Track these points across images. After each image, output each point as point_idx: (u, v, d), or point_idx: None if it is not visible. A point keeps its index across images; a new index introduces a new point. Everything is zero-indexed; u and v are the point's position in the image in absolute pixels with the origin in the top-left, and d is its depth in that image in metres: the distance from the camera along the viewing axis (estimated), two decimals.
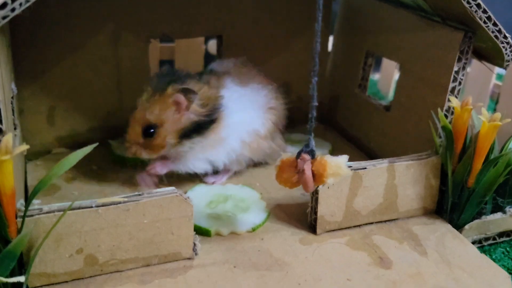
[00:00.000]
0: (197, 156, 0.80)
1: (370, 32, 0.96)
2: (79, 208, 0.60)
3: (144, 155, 0.78)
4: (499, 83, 1.12)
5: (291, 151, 0.93)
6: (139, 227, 0.63)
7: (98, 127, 0.94)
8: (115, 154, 0.90)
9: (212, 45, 1.26)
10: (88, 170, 0.86)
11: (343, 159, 0.63)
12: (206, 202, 0.77)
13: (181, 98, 0.76)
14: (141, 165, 0.88)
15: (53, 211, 0.59)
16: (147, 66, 0.94)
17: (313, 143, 0.63)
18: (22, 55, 0.84)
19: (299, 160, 0.63)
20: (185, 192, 0.79)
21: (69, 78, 0.89)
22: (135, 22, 0.90)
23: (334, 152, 0.97)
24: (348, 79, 1.03)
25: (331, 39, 1.10)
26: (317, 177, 0.62)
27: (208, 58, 1.24)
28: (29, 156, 0.89)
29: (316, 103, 0.62)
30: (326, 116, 1.09)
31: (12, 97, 0.75)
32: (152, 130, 0.77)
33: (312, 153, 0.63)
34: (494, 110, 1.10)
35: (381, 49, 0.94)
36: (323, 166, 0.62)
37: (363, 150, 0.98)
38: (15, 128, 0.75)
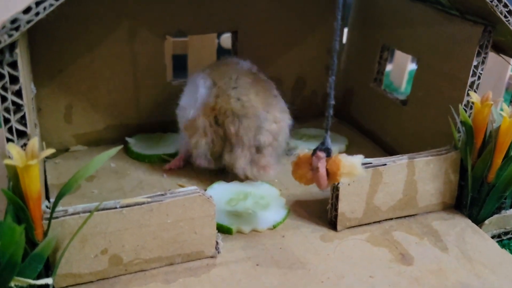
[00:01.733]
0: None
1: (385, 25, 0.95)
2: (103, 209, 0.60)
3: None
4: None
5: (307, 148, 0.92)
6: (163, 227, 0.63)
7: (115, 125, 0.94)
8: (132, 151, 0.90)
9: (225, 40, 1.26)
10: (107, 168, 0.86)
11: (358, 159, 0.63)
12: (226, 199, 0.77)
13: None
14: (157, 162, 0.89)
15: (78, 213, 0.59)
16: (162, 63, 0.94)
17: (329, 141, 0.63)
18: (40, 55, 0.84)
19: (313, 157, 0.63)
20: (205, 190, 0.80)
21: (86, 76, 0.89)
22: (151, 19, 0.90)
23: (350, 146, 0.97)
24: (363, 73, 1.02)
25: (345, 31, 1.09)
26: (331, 176, 0.62)
27: (221, 52, 1.23)
28: (48, 155, 0.89)
29: (333, 102, 0.62)
30: (340, 110, 1.08)
31: (32, 98, 0.75)
32: None
33: (327, 151, 0.63)
34: (510, 102, 1.09)
35: (397, 42, 0.93)
36: (337, 165, 0.62)
37: (379, 144, 0.98)
38: (35, 127, 0.75)
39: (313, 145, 0.93)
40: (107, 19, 0.87)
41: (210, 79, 0.80)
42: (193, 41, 1.21)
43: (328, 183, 0.63)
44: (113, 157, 0.87)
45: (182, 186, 0.82)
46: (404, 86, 1.37)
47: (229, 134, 0.78)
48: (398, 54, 1.35)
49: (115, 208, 0.61)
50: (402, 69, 1.36)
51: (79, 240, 0.60)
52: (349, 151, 0.95)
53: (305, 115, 1.07)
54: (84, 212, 0.59)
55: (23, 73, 0.57)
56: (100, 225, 0.60)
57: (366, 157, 0.66)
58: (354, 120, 1.06)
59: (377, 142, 0.99)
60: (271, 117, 0.79)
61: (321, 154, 0.62)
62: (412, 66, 1.40)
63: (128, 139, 0.92)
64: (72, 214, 0.59)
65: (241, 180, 0.81)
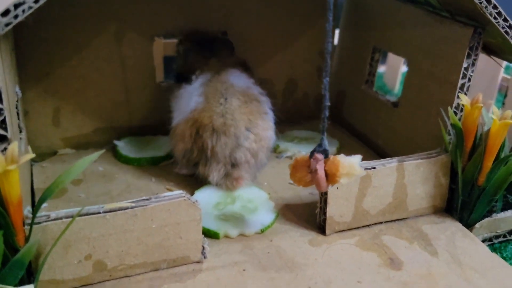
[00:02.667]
0: None
1: (376, 27, 0.95)
2: (86, 214, 0.59)
3: None
4: (508, 76, 1.10)
5: (299, 150, 0.92)
6: (147, 232, 0.62)
7: (104, 127, 0.93)
8: (121, 154, 0.89)
9: None
10: (95, 171, 0.85)
11: (356, 159, 0.62)
12: (214, 203, 0.76)
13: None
14: (146, 165, 0.88)
15: (61, 218, 0.58)
16: (151, 65, 0.93)
17: (326, 142, 0.63)
18: (26, 57, 0.83)
19: (312, 159, 0.62)
20: (193, 193, 0.79)
21: (73, 78, 0.88)
22: (139, 21, 0.89)
23: (342, 149, 0.96)
24: (354, 74, 1.02)
25: (336, 33, 1.09)
26: (330, 177, 0.62)
27: None
28: (35, 158, 0.88)
29: (328, 103, 0.62)
30: (332, 112, 1.05)
31: (17, 100, 0.74)
32: None
33: (325, 153, 0.62)
34: (503, 104, 1.09)
35: (388, 44, 0.92)
36: (336, 166, 0.61)
37: (371, 147, 0.98)
38: (20, 131, 0.75)
39: (304, 147, 0.93)
40: (94, 21, 0.86)
41: (204, 96, 0.80)
42: None
43: (327, 184, 0.62)
44: (101, 160, 0.88)
45: (170, 190, 0.81)
46: (397, 88, 1.36)
47: (206, 148, 0.78)
48: (391, 55, 1.35)
49: (99, 213, 0.60)
50: (395, 71, 1.35)
51: (62, 245, 0.59)
52: (341, 153, 0.94)
53: (296, 117, 1.06)
54: (66, 217, 0.59)
55: (4, 76, 0.56)
56: (84, 230, 0.59)
57: None
58: (345, 122, 1.05)
59: (369, 144, 0.98)
60: (253, 136, 0.79)
61: (319, 156, 0.62)
62: (405, 68, 1.39)
63: (116, 142, 0.92)
64: (55, 219, 0.58)
65: None
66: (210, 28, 0.95)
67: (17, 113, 0.75)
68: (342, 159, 0.62)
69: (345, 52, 1.04)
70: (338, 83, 1.06)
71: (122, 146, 0.91)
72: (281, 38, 1.01)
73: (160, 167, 0.88)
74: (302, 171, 0.63)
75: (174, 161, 0.87)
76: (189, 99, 0.81)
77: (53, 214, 0.59)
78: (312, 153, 0.62)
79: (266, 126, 0.82)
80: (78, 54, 0.87)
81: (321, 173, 0.61)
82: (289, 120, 1.05)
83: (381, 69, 1.43)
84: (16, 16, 0.50)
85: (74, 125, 0.91)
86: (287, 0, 0.98)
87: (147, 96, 0.94)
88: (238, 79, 0.84)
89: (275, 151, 0.93)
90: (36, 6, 0.51)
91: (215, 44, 0.89)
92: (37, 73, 0.85)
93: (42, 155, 0.89)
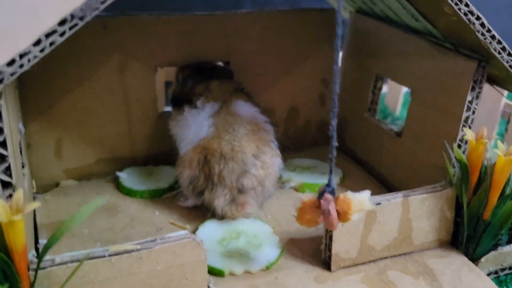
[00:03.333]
0: None
1: (379, 56, 0.95)
2: (92, 258, 0.59)
3: None
4: (510, 102, 1.10)
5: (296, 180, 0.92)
6: (153, 274, 0.62)
7: (106, 158, 0.93)
8: (123, 186, 0.88)
9: None
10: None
11: (365, 194, 0.63)
12: (218, 239, 0.76)
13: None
14: (149, 197, 0.87)
15: (66, 263, 0.58)
16: (154, 95, 0.93)
17: (334, 182, 0.63)
18: (29, 91, 0.83)
19: (322, 201, 0.62)
20: (197, 228, 0.78)
21: (76, 110, 0.88)
22: (142, 52, 0.89)
23: (345, 178, 0.96)
24: (357, 102, 1.01)
25: (339, 60, 1.09)
26: (342, 215, 0.62)
27: None
28: (37, 190, 0.88)
29: (336, 144, 0.62)
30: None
31: (20, 138, 0.74)
32: None
33: (333, 192, 0.62)
34: (506, 130, 1.09)
35: (391, 73, 0.92)
36: (348, 204, 0.62)
37: (374, 176, 0.97)
38: (23, 167, 0.74)
39: (307, 176, 0.93)
40: (97, 53, 0.86)
41: (214, 127, 0.81)
42: None
43: (339, 222, 0.62)
44: (104, 192, 0.88)
45: (174, 224, 0.81)
46: (399, 110, 1.36)
47: (212, 173, 0.78)
48: None
49: (104, 256, 0.59)
50: (396, 92, 1.35)
51: None
52: (344, 183, 0.95)
53: (298, 145, 1.06)
54: (72, 261, 0.58)
55: (8, 121, 0.56)
56: (89, 275, 0.59)
57: (361, 190, 0.65)
58: (348, 149, 1.05)
59: (372, 173, 0.98)
60: (260, 163, 0.79)
61: (329, 197, 0.62)
62: (406, 89, 1.39)
63: (119, 173, 0.91)
64: (60, 264, 0.58)
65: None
66: (212, 58, 0.95)
67: (20, 149, 0.75)
68: (353, 196, 0.62)
69: (348, 79, 1.04)
70: (340, 111, 1.04)
71: (125, 177, 0.91)
72: (283, 67, 1.01)
73: (163, 199, 0.88)
74: (311, 213, 0.63)
75: (177, 194, 0.86)
76: (199, 129, 0.83)
77: (57, 259, 0.58)
78: (321, 194, 0.62)
79: (273, 154, 0.83)
80: (81, 86, 0.87)
81: (334, 213, 0.61)
82: (291, 147, 1.05)
83: (383, 89, 1.43)
84: (21, 66, 0.50)
85: (76, 156, 0.91)
86: (289, 28, 0.98)
87: (149, 127, 0.94)
88: (244, 109, 0.85)
89: (278, 181, 0.93)
90: (41, 55, 0.51)
91: (214, 70, 0.90)
92: (40, 105, 0.85)
93: (45, 187, 0.89)
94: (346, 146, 1.05)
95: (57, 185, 0.90)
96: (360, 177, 0.97)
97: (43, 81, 0.84)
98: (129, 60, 0.89)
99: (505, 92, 1.04)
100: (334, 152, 0.62)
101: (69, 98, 0.87)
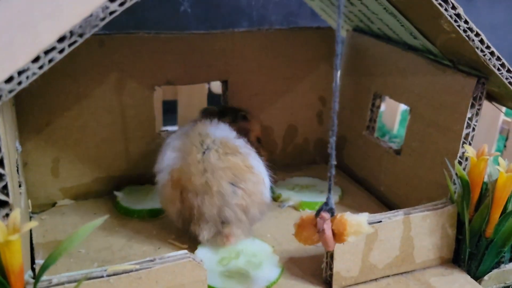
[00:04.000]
0: None
1: (377, 74, 0.95)
2: (89, 278, 0.58)
3: None
4: (508, 119, 1.10)
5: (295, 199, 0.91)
6: None
7: (103, 177, 0.92)
8: (121, 206, 0.87)
9: (215, 85, 1.25)
10: None
11: (363, 217, 0.61)
12: (218, 258, 0.75)
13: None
14: (146, 217, 0.86)
15: (63, 283, 0.56)
16: (152, 114, 0.92)
17: (332, 201, 0.62)
18: (26, 109, 0.82)
19: (318, 219, 0.61)
20: (196, 248, 0.77)
21: (73, 129, 0.87)
22: (139, 70, 0.89)
23: (344, 196, 0.95)
24: (355, 120, 1.01)
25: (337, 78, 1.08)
26: (338, 236, 0.61)
27: (212, 97, 1.23)
28: (34, 209, 0.87)
29: (335, 162, 0.61)
30: None
31: (17, 156, 0.73)
32: None
33: (331, 211, 0.61)
34: (505, 147, 1.08)
35: (390, 91, 0.92)
36: (344, 225, 0.60)
37: (373, 194, 0.97)
38: (20, 186, 0.73)
39: (306, 195, 0.92)
40: (94, 71, 0.86)
41: (179, 151, 0.77)
42: (183, 87, 1.21)
43: (334, 243, 0.61)
44: (101, 212, 0.87)
45: (173, 244, 0.79)
46: (396, 128, 1.36)
47: (192, 208, 0.74)
48: None
49: (102, 277, 0.58)
50: (394, 110, 1.35)
51: None
52: (343, 201, 0.94)
53: (297, 163, 1.06)
54: (69, 282, 0.57)
55: (5, 139, 0.55)
56: None
57: (360, 208, 0.64)
58: (347, 168, 1.04)
59: (371, 191, 0.97)
60: (240, 192, 0.75)
61: (326, 215, 0.61)
62: (404, 106, 1.39)
63: (116, 193, 0.90)
64: (57, 284, 0.56)
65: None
66: (210, 77, 0.95)
67: (17, 168, 0.74)
68: (350, 217, 0.61)
69: (346, 98, 1.03)
70: (338, 129, 1.03)
71: (122, 197, 0.90)
72: (281, 84, 1.00)
73: (161, 218, 0.86)
74: (309, 230, 0.62)
75: None
76: (165, 154, 0.79)
77: (54, 279, 0.57)
78: (318, 212, 0.61)
79: (255, 180, 0.77)
80: (78, 104, 0.86)
81: (328, 232, 0.60)
82: (289, 165, 1.05)
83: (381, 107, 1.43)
84: (19, 83, 0.49)
85: (73, 175, 0.90)
86: (286, 47, 0.99)
87: (147, 145, 0.93)
88: (216, 130, 0.79)
89: (277, 200, 0.92)
90: (40, 72, 0.50)
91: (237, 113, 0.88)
92: (37, 124, 0.84)
93: (41, 206, 0.88)
94: (344, 164, 1.05)
95: (53, 204, 0.89)
96: (359, 195, 0.97)
97: (40, 99, 0.83)
98: (126, 78, 0.89)
99: (503, 109, 1.05)
100: (333, 171, 0.61)
101: (66, 117, 0.86)
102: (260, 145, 0.90)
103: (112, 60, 0.87)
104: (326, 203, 0.62)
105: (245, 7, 1.35)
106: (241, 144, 0.79)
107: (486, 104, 1.15)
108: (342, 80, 1.07)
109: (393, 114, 1.36)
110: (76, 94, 0.86)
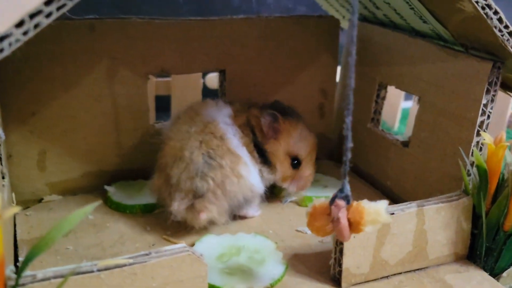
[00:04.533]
0: None
1: (382, 63, 0.90)
2: (78, 273, 0.52)
3: None
4: None
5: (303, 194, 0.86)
6: None
7: (93, 171, 0.86)
8: (112, 201, 0.82)
9: (210, 80, 1.20)
10: (84, 220, 0.78)
11: (382, 204, 0.56)
12: (217, 255, 0.70)
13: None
14: (140, 213, 0.81)
15: (49, 279, 0.51)
16: (145, 104, 0.87)
17: (348, 187, 0.57)
18: (11, 97, 0.77)
19: (333, 207, 0.56)
20: (193, 244, 0.72)
21: (61, 119, 0.82)
22: (132, 58, 0.84)
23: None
24: (359, 113, 0.96)
25: (338, 69, 1.04)
26: (354, 226, 0.56)
27: (207, 92, 1.17)
28: (18, 204, 0.80)
29: (351, 144, 0.56)
30: (335, 153, 1.02)
31: (0, 145, 0.67)
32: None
33: (347, 199, 0.56)
34: None
35: (396, 80, 0.88)
36: (361, 214, 0.55)
37: (380, 189, 0.92)
38: (3, 178, 0.68)
39: (308, 190, 0.87)
40: (84, 57, 0.81)
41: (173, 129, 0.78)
42: (177, 81, 1.15)
43: (350, 233, 0.56)
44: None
45: (168, 240, 0.74)
46: (397, 126, 1.32)
47: (168, 178, 0.74)
48: (391, 91, 1.30)
49: (92, 272, 0.52)
50: (394, 107, 1.31)
51: None
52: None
53: None
54: (55, 277, 0.51)
55: None
56: None
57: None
58: (351, 163, 0.99)
59: (377, 186, 0.92)
60: (216, 164, 0.73)
61: (341, 203, 0.56)
62: (404, 104, 1.35)
63: (107, 187, 0.85)
64: (42, 280, 0.51)
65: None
66: (207, 66, 0.90)
67: (0, 158, 0.68)
68: (367, 205, 0.56)
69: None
70: (341, 122, 1.00)
71: (114, 192, 0.84)
72: (281, 76, 0.96)
73: (155, 214, 0.81)
74: (322, 220, 0.57)
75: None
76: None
77: (39, 274, 0.51)
78: (333, 200, 0.56)
79: (234, 160, 0.75)
80: (67, 93, 0.81)
81: (344, 221, 0.55)
82: None
83: None
84: (1, 50, 0.44)
85: (61, 169, 0.84)
86: (287, 37, 0.94)
87: (140, 138, 0.88)
88: (213, 112, 0.79)
89: (279, 195, 0.87)
90: (24, 38, 0.45)
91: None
92: (22, 113, 0.79)
93: (26, 202, 0.82)
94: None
95: (40, 200, 0.83)
96: (364, 190, 0.92)
97: (26, 86, 0.78)
98: (118, 66, 0.83)
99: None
100: (349, 154, 0.57)
101: (53, 106, 0.81)
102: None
103: (103, 46, 0.82)
104: (341, 190, 0.57)
105: None
106: (229, 130, 0.78)
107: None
108: (344, 72, 1.02)
109: (394, 111, 1.32)
110: (64, 81, 0.80)
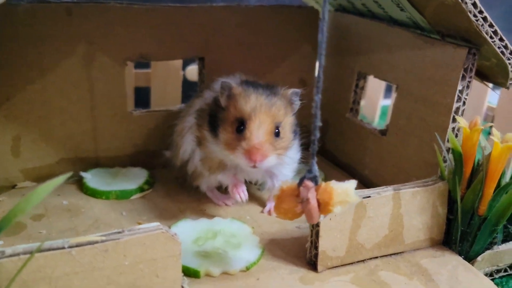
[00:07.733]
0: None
1: (361, 52, 0.91)
2: (48, 249, 0.51)
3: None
4: (493, 105, 1.07)
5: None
6: (119, 270, 0.54)
7: (69, 158, 0.85)
8: (88, 187, 0.81)
9: (190, 71, 1.19)
10: (58, 206, 0.77)
11: (351, 184, 0.56)
12: (193, 238, 0.69)
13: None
14: (116, 199, 0.80)
15: (18, 254, 0.50)
16: (123, 91, 0.86)
17: (316, 168, 0.56)
18: None
19: (301, 188, 0.55)
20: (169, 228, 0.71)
21: (36, 104, 0.81)
22: (110, 43, 0.83)
23: (327, 180, 0.90)
24: (337, 103, 0.97)
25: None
26: (323, 206, 0.55)
27: (186, 85, 1.17)
28: None
29: (319, 123, 0.55)
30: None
31: None
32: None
33: (315, 180, 0.56)
34: (489, 134, 1.05)
35: (375, 69, 0.88)
36: (329, 194, 0.55)
37: (358, 178, 0.91)
38: None
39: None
40: (61, 42, 0.80)
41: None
42: (156, 72, 1.15)
43: (319, 215, 0.55)
44: (66, 193, 0.80)
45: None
46: (377, 121, 1.32)
47: None
48: (371, 86, 1.31)
49: (63, 248, 0.52)
50: (374, 103, 1.32)
51: (19, 287, 0.50)
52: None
53: None
54: (25, 253, 0.50)
55: None
56: (45, 269, 0.51)
57: None
58: (329, 153, 0.99)
59: (355, 175, 0.92)
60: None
61: (310, 184, 0.55)
62: (384, 102, 1.36)
63: (83, 173, 0.84)
64: (10, 255, 0.50)
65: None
66: (186, 53, 0.90)
67: None
68: (336, 185, 0.56)
69: (327, 79, 0.98)
70: (320, 113, 1.00)
71: (89, 178, 0.83)
72: (260, 64, 0.95)
73: (132, 200, 0.80)
74: (290, 202, 0.56)
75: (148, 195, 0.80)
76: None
77: (8, 250, 0.50)
78: (301, 181, 0.56)
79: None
80: (42, 78, 0.80)
81: (313, 202, 0.55)
82: None
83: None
84: None
85: (36, 155, 0.83)
86: (266, 26, 0.94)
87: (117, 125, 0.87)
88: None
89: (256, 183, 0.86)
90: None
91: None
92: None
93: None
94: (327, 150, 1.00)
95: (13, 186, 0.82)
96: (343, 179, 0.91)
97: (1, 71, 0.77)
98: (96, 51, 0.83)
99: (488, 91, 1.02)
100: (317, 134, 0.56)
101: (28, 91, 0.80)
102: None
103: (80, 30, 0.81)
104: (309, 171, 0.56)
105: None
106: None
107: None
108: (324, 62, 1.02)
109: (374, 108, 1.32)
110: (40, 66, 0.79)
